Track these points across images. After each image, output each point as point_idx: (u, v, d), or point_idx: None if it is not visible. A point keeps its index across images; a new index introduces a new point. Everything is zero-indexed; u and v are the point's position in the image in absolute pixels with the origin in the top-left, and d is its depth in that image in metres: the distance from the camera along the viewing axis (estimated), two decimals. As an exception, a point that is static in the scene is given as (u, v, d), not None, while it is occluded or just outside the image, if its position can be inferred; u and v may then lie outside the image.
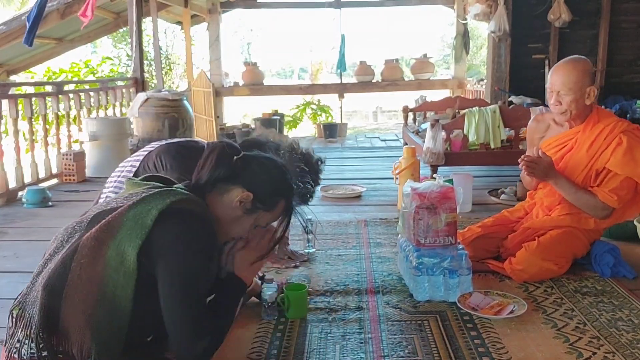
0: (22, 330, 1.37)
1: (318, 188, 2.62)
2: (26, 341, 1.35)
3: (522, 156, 2.46)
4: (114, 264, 1.35)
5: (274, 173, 1.59)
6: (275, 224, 1.64)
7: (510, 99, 6.26)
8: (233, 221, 1.55)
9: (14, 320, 1.40)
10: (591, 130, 2.49)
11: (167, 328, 1.38)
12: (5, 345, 1.41)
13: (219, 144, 1.58)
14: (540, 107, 4.77)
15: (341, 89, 9.07)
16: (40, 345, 1.34)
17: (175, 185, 1.55)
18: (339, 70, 9.25)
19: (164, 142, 2.14)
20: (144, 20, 6.94)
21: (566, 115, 2.51)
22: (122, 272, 1.35)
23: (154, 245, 1.36)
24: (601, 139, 2.46)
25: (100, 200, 2.06)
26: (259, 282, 2.13)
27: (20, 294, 1.45)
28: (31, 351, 1.35)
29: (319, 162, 2.55)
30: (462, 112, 4.73)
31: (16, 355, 1.36)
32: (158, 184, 1.54)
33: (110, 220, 1.39)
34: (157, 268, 1.37)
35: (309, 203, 2.51)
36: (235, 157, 1.56)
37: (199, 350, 1.39)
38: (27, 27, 4.76)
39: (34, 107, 5.05)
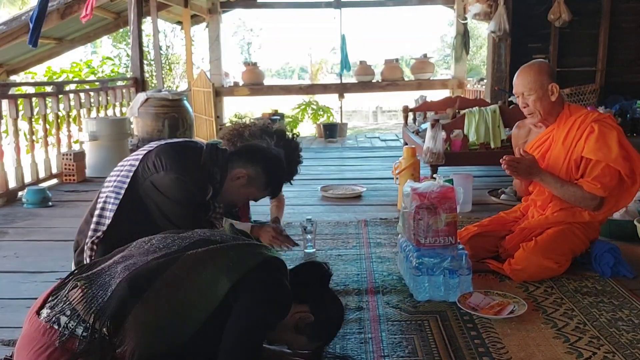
0: (79, 304, 1.38)
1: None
2: (76, 319, 1.36)
3: (504, 158, 2.48)
4: (204, 288, 1.44)
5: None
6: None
7: (510, 99, 6.26)
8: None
9: (73, 289, 1.42)
10: (564, 124, 2.56)
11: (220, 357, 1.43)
12: (48, 305, 1.41)
13: None
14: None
15: (341, 89, 9.07)
16: (91, 329, 1.35)
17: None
18: (344, 70, 9.26)
19: (163, 142, 2.14)
20: (144, 20, 6.95)
21: (536, 116, 2.58)
22: (208, 296, 1.43)
23: (246, 286, 1.46)
24: (574, 130, 2.52)
25: (100, 199, 2.05)
26: None
27: (83, 266, 1.53)
28: (76, 328, 1.36)
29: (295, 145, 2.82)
30: (462, 112, 4.73)
31: (55, 325, 1.37)
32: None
33: (218, 249, 1.52)
34: (236, 305, 1.45)
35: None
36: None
37: None
38: (30, 27, 4.76)
39: (34, 107, 5.05)
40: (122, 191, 2.01)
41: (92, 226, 2.00)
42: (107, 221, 1.98)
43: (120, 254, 1.55)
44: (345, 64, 9.07)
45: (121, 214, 1.97)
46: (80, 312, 1.37)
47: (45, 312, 1.41)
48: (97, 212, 2.02)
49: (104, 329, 1.36)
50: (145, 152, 2.07)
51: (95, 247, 1.98)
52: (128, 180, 2.02)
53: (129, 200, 1.98)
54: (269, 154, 2.18)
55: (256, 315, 1.46)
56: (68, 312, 1.38)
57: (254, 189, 2.14)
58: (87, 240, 2.00)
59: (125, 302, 1.37)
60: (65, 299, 1.41)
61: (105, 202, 2.03)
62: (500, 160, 2.48)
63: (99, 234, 1.98)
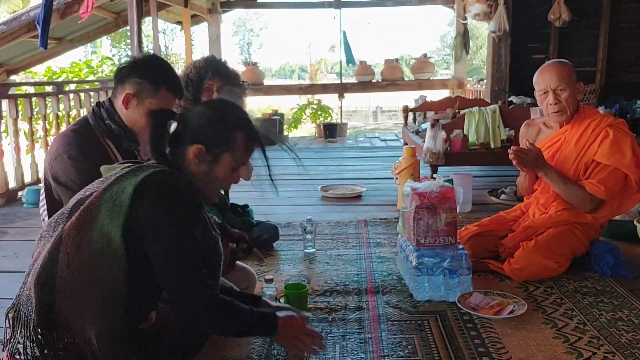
0: (20, 331, 1.37)
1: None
2: (27, 342, 1.35)
3: (512, 147, 2.49)
4: (100, 248, 1.34)
5: (210, 114, 1.55)
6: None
7: (510, 99, 6.26)
8: (208, 177, 1.53)
9: (11, 322, 1.40)
10: (578, 126, 2.55)
11: (170, 294, 1.39)
12: (5, 349, 1.41)
13: (150, 117, 1.57)
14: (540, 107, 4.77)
15: (341, 89, 9.07)
16: (42, 342, 1.34)
17: (146, 163, 1.54)
18: (349, 65, 9.23)
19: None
20: (144, 20, 6.94)
21: (563, 114, 2.55)
22: (110, 255, 1.34)
23: (138, 223, 1.35)
24: (588, 133, 2.51)
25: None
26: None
27: (15, 297, 1.45)
28: (33, 351, 1.35)
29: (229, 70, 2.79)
30: (462, 112, 4.73)
31: (17, 357, 1.36)
32: (132, 164, 1.53)
33: (88, 205, 1.38)
34: (147, 245, 1.36)
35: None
36: (172, 122, 1.55)
37: (202, 308, 1.40)
38: (39, 30, 4.75)
39: (34, 107, 5.05)
40: (44, 202, 2.00)
41: None
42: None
43: (30, 262, 1.49)
44: (349, 57, 9.03)
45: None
46: (27, 334, 1.36)
47: (7, 349, 1.40)
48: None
49: (52, 336, 1.35)
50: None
51: None
52: (44, 191, 2.00)
53: (53, 211, 1.86)
54: (134, 61, 2.02)
55: (170, 242, 1.36)
56: (20, 340, 1.37)
57: (149, 99, 1.96)
58: None
59: (45, 303, 1.35)
60: (11, 331, 1.40)
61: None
62: (508, 151, 2.48)
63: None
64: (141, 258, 1.36)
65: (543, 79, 2.55)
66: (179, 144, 1.52)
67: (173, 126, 1.53)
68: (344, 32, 8.98)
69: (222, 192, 2.93)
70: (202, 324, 1.47)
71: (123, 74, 2.00)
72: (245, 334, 1.64)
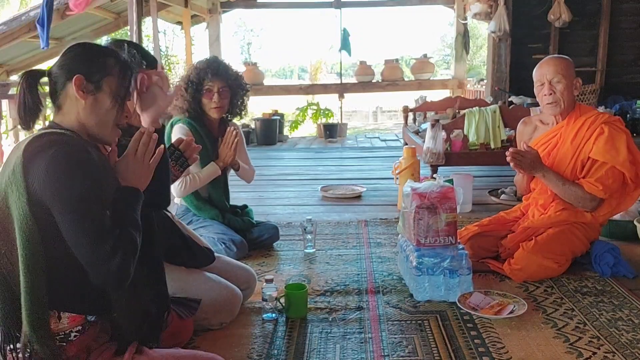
0: None
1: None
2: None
3: (509, 150, 2.49)
4: (20, 227, 1.32)
5: (75, 51, 1.50)
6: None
7: (510, 99, 6.26)
8: (96, 109, 1.47)
9: None
10: (574, 123, 2.56)
11: (78, 257, 1.33)
12: None
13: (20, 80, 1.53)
14: (540, 107, 4.77)
15: (341, 89, 9.07)
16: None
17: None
18: (341, 52, 9.15)
19: None
20: (144, 20, 6.94)
21: (557, 106, 2.55)
22: (26, 233, 1.31)
23: (37, 193, 1.32)
24: (584, 131, 2.52)
25: None
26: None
27: None
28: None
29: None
30: (462, 112, 4.74)
31: None
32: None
33: None
34: (51, 210, 1.32)
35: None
36: (42, 78, 1.52)
37: (114, 266, 1.32)
38: (44, 30, 4.75)
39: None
40: None
41: None
42: None
43: None
44: (344, 45, 8.96)
45: None
46: None
47: None
48: None
49: None
50: None
51: None
52: None
53: None
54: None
55: (65, 201, 1.31)
56: None
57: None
58: None
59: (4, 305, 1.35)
60: None
61: None
62: (506, 153, 2.49)
63: None
64: (52, 230, 1.33)
65: (540, 71, 2.58)
66: (57, 89, 1.49)
67: (44, 80, 1.51)
68: (345, 29, 8.97)
69: (222, 195, 2.93)
70: (118, 266, 1.33)
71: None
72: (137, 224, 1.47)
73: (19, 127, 2.02)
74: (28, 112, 1.51)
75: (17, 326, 1.34)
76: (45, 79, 1.52)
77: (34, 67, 1.57)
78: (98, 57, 1.49)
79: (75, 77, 1.44)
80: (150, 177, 1.53)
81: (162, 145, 1.58)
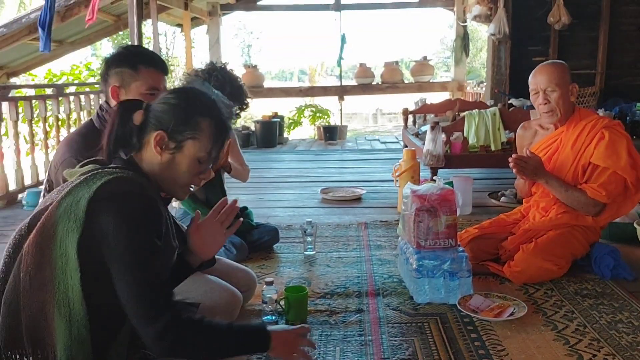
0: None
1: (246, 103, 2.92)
2: None
3: (512, 156, 2.49)
4: (61, 265, 1.27)
5: (174, 100, 1.43)
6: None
7: (510, 102, 6.27)
8: (171, 168, 1.42)
9: None
10: (574, 128, 2.55)
11: (129, 315, 1.30)
12: None
13: (117, 108, 1.46)
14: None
15: (341, 91, 9.08)
16: None
17: (104, 169, 1.42)
18: (340, 61, 9.17)
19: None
20: (144, 23, 6.95)
21: (554, 115, 2.55)
22: (68, 272, 1.27)
23: (94, 236, 1.27)
24: (584, 135, 2.51)
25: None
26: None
27: None
28: None
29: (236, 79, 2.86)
30: (462, 114, 4.73)
31: None
32: (91, 167, 1.43)
33: (44, 221, 1.31)
34: (105, 258, 1.28)
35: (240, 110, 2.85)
36: (138, 111, 1.44)
37: (155, 332, 1.28)
38: (45, 33, 4.75)
39: (34, 109, 5.05)
40: None
41: None
42: None
43: None
44: (341, 49, 8.99)
45: None
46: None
47: None
48: None
49: (16, 356, 1.29)
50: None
51: None
52: (45, 194, 1.95)
53: None
54: (106, 57, 1.83)
55: (126, 255, 1.26)
56: None
57: (133, 83, 1.84)
58: None
59: (10, 323, 1.30)
60: None
61: None
62: (509, 159, 2.48)
63: None
64: (99, 275, 1.28)
65: (534, 80, 2.57)
66: (143, 134, 1.42)
67: (138, 116, 1.43)
68: (343, 35, 8.98)
69: (220, 197, 2.92)
70: (166, 348, 1.30)
71: (102, 72, 1.99)
72: (227, 354, 1.42)
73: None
74: (115, 143, 1.43)
75: (19, 353, 1.30)
76: (139, 112, 1.44)
77: (128, 99, 1.50)
78: (194, 115, 1.42)
79: (157, 132, 1.39)
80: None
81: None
